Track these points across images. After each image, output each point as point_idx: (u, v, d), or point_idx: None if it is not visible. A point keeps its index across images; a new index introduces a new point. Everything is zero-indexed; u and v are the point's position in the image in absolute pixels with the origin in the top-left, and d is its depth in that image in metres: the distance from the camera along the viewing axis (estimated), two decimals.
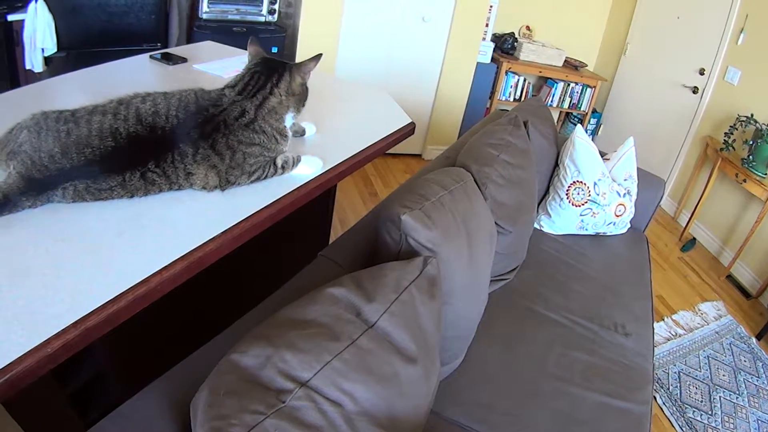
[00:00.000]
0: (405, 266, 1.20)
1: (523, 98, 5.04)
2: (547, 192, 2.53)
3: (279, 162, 1.41)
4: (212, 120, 1.28)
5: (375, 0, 3.89)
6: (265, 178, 1.39)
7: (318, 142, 1.72)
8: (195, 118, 1.26)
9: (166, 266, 1.07)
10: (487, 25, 4.32)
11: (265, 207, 1.31)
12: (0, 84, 3.04)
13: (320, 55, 1.46)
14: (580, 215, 2.41)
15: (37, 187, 1.14)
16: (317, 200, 1.63)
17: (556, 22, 5.16)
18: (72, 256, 1.06)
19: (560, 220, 2.44)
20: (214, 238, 1.17)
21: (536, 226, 2.48)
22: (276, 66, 1.41)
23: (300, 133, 1.70)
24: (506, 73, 4.82)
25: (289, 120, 1.44)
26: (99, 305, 0.97)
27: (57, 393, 1.42)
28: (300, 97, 1.46)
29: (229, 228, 1.21)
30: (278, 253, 2.18)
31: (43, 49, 3.01)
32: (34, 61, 3.02)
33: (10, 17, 3.09)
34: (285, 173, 1.45)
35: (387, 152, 4.20)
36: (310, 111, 1.79)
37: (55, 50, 3.06)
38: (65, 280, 1.00)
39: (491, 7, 4.26)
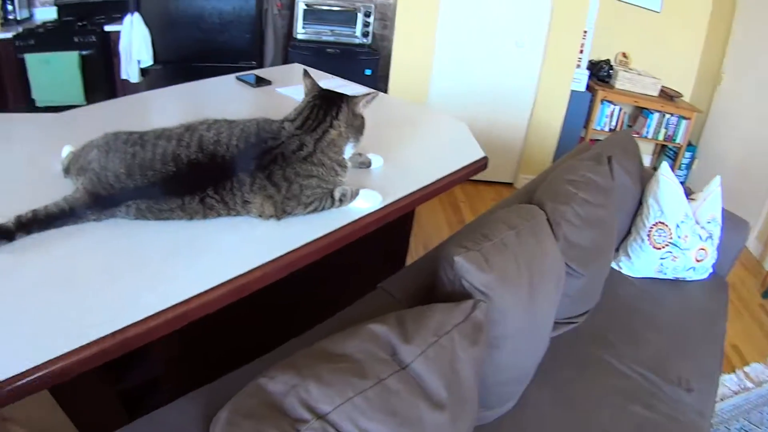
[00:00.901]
0: (451, 309, 1.16)
1: (618, 128, 4.83)
2: (629, 232, 2.40)
3: (337, 195, 1.42)
4: (270, 152, 1.30)
5: (468, 23, 3.87)
6: (321, 209, 1.40)
7: (383, 174, 1.71)
8: (254, 149, 1.29)
9: (207, 290, 1.10)
10: (581, 52, 4.17)
11: (315, 239, 1.32)
12: (98, 93, 3.26)
13: (377, 92, 1.48)
14: (660, 258, 2.27)
15: (101, 203, 1.21)
16: (392, 229, 1.62)
17: (652, 50, 4.89)
18: (123, 269, 1.12)
19: (639, 262, 2.30)
20: (259, 266, 1.19)
21: (614, 266, 2.35)
22: (334, 99, 1.42)
23: (366, 164, 1.70)
24: (601, 102, 4.64)
25: (348, 151, 1.44)
26: (138, 319, 1.01)
27: (106, 388, 1.48)
28: (358, 128, 1.46)
29: (275, 258, 1.22)
30: (345, 284, 2.18)
31: (138, 61, 3.20)
32: (130, 72, 3.21)
33: (107, 28, 3.33)
34: (342, 206, 1.44)
35: (478, 179, 4.12)
36: (381, 141, 1.79)
37: (151, 63, 3.24)
38: (112, 291, 1.06)
39: (585, 32, 4.11)
